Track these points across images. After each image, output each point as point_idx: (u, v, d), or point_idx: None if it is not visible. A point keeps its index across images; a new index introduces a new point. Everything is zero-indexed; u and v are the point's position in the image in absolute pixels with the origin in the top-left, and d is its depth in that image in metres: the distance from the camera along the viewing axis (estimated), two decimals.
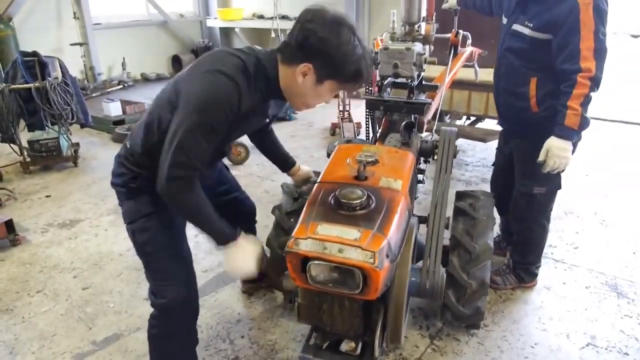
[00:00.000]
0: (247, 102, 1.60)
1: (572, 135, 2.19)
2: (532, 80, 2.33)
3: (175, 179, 1.56)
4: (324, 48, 1.51)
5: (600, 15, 2.10)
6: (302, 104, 1.71)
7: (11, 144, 4.60)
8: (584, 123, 2.17)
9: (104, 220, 3.77)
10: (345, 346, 1.81)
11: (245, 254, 1.69)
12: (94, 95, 7.42)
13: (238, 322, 2.58)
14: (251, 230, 2.54)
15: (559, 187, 2.56)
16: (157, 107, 1.73)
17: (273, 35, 6.68)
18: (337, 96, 5.94)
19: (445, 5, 3.00)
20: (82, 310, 2.72)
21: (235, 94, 1.54)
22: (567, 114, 2.16)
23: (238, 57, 1.62)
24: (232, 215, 2.32)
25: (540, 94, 2.33)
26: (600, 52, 2.12)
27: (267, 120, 1.98)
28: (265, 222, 3.36)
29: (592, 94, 2.13)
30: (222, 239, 1.69)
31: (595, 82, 2.12)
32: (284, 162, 2.34)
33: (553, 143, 2.21)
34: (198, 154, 1.55)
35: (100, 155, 5.28)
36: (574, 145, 2.24)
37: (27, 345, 2.45)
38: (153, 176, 1.72)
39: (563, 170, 2.33)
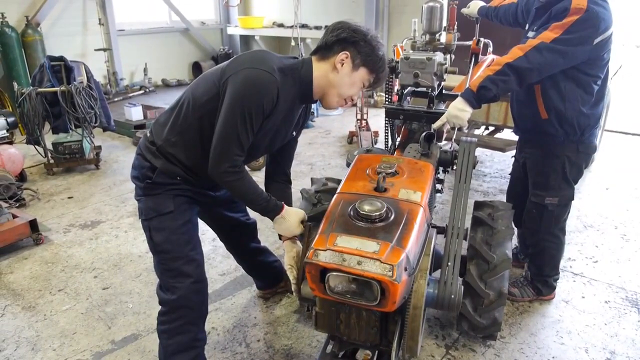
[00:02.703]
0: (283, 97, 1.72)
1: (468, 94, 2.17)
2: (537, 87, 2.31)
3: (222, 164, 1.71)
4: (357, 37, 1.74)
5: (584, 23, 2.04)
6: (337, 95, 1.82)
7: (36, 146, 4.69)
8: (483, 88, 2.13)
9: (124, 222, 3.81)
10: (362, 355, 1.80)
11: (289, 223, 1.89)
12: (116, 99, 7.53)
13: (254, 326, 2.58)
14: (254, 243, 2.58)
15: (572, 198, 2.52)
16: (196, 86, 1.83)
17: (293, 43, 6.72)
18: (355, 105, 5.94)
19: (464, 10, 2.98)
20: (101, 309, 2.75)
21: (274, 87, 1.67)
22: (475, 76, 2.19)
23: (277, 57, 1.78)
24: (230, 232, 2.43)
25: (546, 99, 2.31)
26: (550, 50, 2.06)
27: (294, 134, 2.03)
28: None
29: (511, 67, 2.09)
30: (269, 215, 1.88)
31: (523, 59, 2.07)
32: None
33: (454, 102, 2.22)
34: (240, 141, 1.69)
35: (121, 158, 5.35)
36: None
37: (48, 342, 2.48)
38: (170, 170, 1.85)
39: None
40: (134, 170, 1.93)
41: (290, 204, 2.10)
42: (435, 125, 2.29)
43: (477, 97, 2.16)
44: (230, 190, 1.83)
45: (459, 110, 2.18)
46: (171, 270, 1.90)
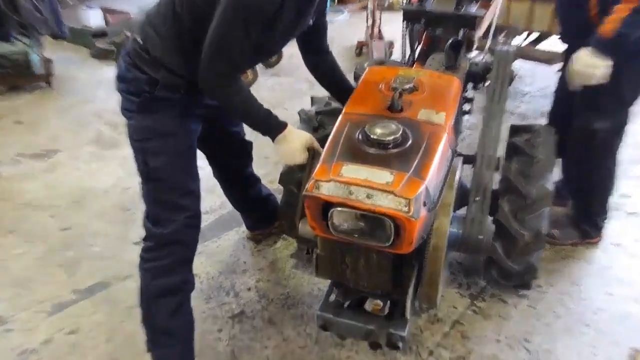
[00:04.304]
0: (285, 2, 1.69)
1: (601, 45, 2.12)
2: None
3: (217, 75, 1.72)
4: None
5: None
6: None
7: None
8: (619, 36, 2.08)
9: (84, 152, 3.82)
10: (371, 305, 1.84)
11: (292, 145, 1.88)
12: (70, 2, 7.33)
13: (244, 273, 2.64)
14: (249, 168, 2.63)
15: (626, 123, 2.50)
16: None
17: None
18: (365, 8, 5.77)
19: None
20: (61, 254, 2.80)
21: None
22: (605, 20, 2.11)
23: None
24: (228, 150, 2.47)
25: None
26: None
27: (311, 22, 1.99)
28: (277, 157, 3.36)
29: None
30: (270, 134, 1.87)
31: None
32: (348, 93, 2.18)
33: (579, 54, 2.16)
34: (239, 48, 1.69)
35: (79, 74, 5.29)
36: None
37: None
38: (176, 82, 1.84)
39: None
40: (124, 84, 1.92)
41: (344, 80, 2.26)
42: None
43: (611, 44, 2.10)
44: (225, 102, 1.83)
45: (587, 65, 2.12)
46: (165, 201, 1.95)
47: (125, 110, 1.94)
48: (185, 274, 2.06)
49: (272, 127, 1.87)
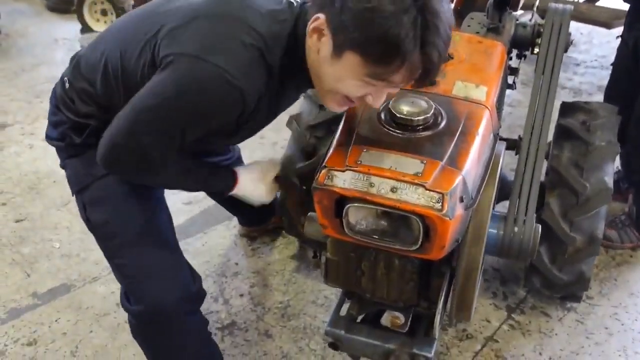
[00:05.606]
0: (262, 93, 1.58)
1: None
2: None
3: (119, 161, 1.59)
4: None
5: None
6: (328, 93, 1.57)
7: None
8: None
9: (40, 126, 3.81)
10: (389, 320, 1.85)
11: (252, 193, 1.95)
12: None
13: (235, 276, 2.67)
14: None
15: None
16: (124, 43, 1.65)
17: None
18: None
19: None
20: (15, 250, 2.83)
21: (237, 107, 1.53)
22: None
23: (255, 19, 1.52)
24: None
25: None
26: None
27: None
28: (274, 138, 3.39)
29: None
30: (220, 193, 1.91)
31: None
32: None
33: None
34: (163, 145, 1.57)
35: (31, 29, 5.25)
36: None
37: None
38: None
39: None
40: (52, 129, 1.84)
41: None
42: None
43: None
44: (155, 184, 1.80)
45: None
46: (129, 266, 1.78)
47: (60, 162, 1.89)
48: (188, 333, 1.88)
49: (218, 191, 1.91)
